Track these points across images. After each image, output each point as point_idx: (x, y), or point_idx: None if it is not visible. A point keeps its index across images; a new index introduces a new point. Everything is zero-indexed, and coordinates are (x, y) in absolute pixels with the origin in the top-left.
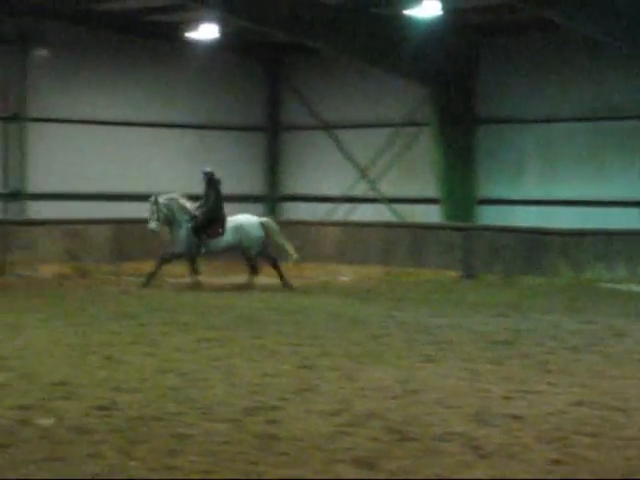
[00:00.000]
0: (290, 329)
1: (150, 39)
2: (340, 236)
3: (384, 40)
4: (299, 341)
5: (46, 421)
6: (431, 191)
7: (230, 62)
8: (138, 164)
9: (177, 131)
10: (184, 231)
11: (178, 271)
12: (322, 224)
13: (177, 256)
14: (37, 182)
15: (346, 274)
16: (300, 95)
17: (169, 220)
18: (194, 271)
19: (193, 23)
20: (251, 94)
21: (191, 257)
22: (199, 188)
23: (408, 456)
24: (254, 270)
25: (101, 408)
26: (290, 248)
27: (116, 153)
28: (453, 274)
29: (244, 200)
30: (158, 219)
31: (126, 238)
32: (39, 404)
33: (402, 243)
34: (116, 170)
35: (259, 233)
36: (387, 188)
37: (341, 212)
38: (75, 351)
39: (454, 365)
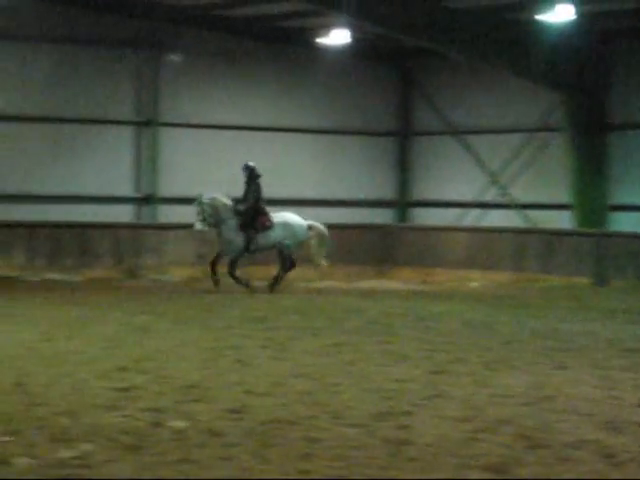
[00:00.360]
0: (421, 334)
1: (282, 45)
2: (470, 242)
3: (516, 45)
4: (430, 346)
5: (179, 424)
6: (563, 197)
7: (361, 67)
8: (268, 169)
9: (308, 136)
10: (233, 229)
11: (308, 275)
12: (452, 229)
13: (238, 256)
14: (167, 186)
15: (476, 280)
16: (430, 100)
17: (215, 219)
18: (234, 271)
19: (325, 29)
20: (382, 99)
21: (239, 256)
22: (334, 193)
23: (539, 463)
24: (291, 266)
25: (233, 411)
26: (321, 257)
27: (246, 158)
28: (584, 281)
29: (375, 205)
30: (204, 219)
31: None
32: (172, 407)
33: (532, 249)
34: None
35: (304, 235)
36: (518, 194)
37: (471, 218)
38: (206, 354)
39: (586, 372)
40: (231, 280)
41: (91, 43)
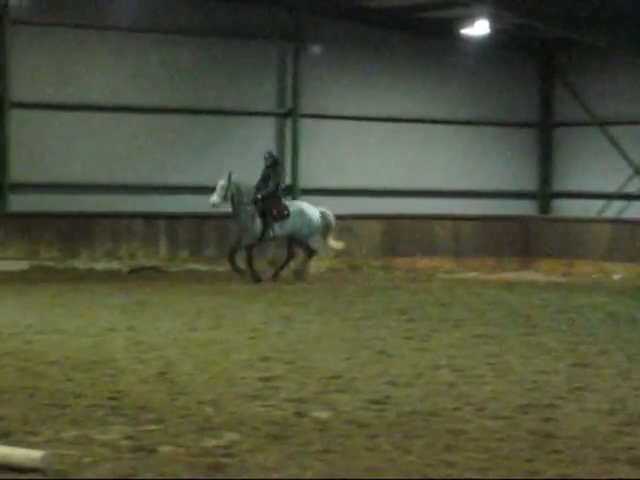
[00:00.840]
0: (564, 327)
1: (422, 36)
2: (612, 233)
3: None
4: (573, 339)
5: (322, 414)
6: None
7: (501, 58)
8: (409, 160)
9: (448, 128)
10: (250, 216)
11: (449, 266)
12: (594, 221)
13: (254, 244)
14: (307, 177)
15: (618, 272)
16: (572, 91)
17: (236, 201)
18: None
19: (467, 19)
20: (523, 90)
21: (255, 244)
22: (474, 185)
23: None
24: (311, 253)
25: (376, 402)
26: (334, 243)
27: (385, 149)
28: None
29: (516, 197)
30: (225, 196)
31: (396, 234)
32: (315, 397)
33: None
34: (386, 166)
35: (318, 223)
36: None
37: (614, 209)
38: (348, 345)
39: None
40: (250, 270)
41: (234, 35)
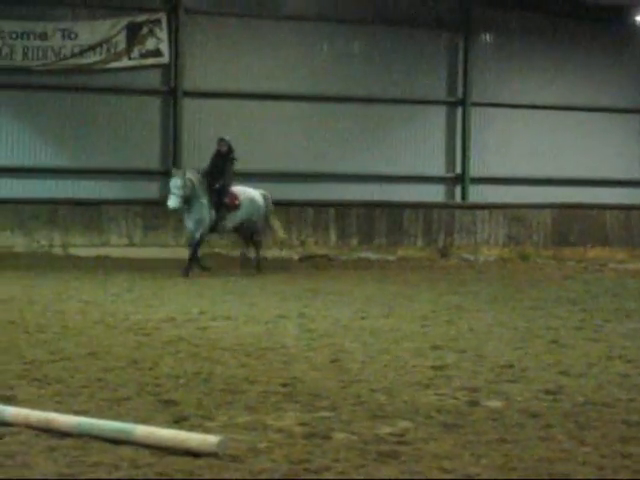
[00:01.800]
0: None
1: (592, 23)
2: None
3: None
4: None
5: (495, 403)
6: None
7: None
8: (580, 149)
9: (623, 116)
10: (205, 208)
11: (620, 256)
12: None
13: (205, 237)
14: (479, 166)
15: None
16: None
17: (188, 197)
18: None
19: (638, 6)
20: None
21: (206, 237)
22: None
23: None
24: (259, 245)
25: (549, 392)
26: (278, 226)
27: (556, 137)
28: None
29: None
30: (183, 195)
31: (567, 223)
32: (487, 386)
33: None
34: (557, 154)
35: (265, 208)
36: None
37: None
38: (519, 334)
39: None
40: (188, 262)
41: (404, 24)
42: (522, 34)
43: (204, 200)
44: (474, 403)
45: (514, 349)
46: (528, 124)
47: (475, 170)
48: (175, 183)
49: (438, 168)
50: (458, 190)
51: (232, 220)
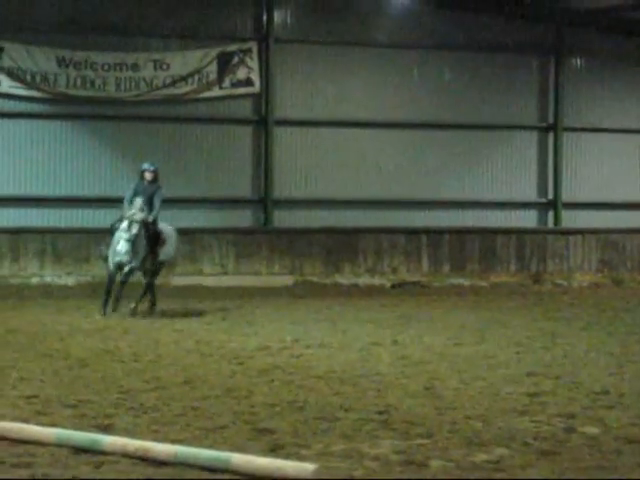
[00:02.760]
0: None
1: None
2: None
3: None
4: None
5: (592, 429)
6: None
7: None
8: None
9: None
10: (143, 240)
11: None
12: None
13: (135, 271)
14: (571, 191)
15: None
16: None
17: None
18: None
19: None
20: None
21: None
22: None
23: None
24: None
25: None
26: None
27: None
28: None
29: None
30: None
31: None
32: (583, 412)
33: None
34: None
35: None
36: None
37: None
38: (615, 360)
39: None
40: (113, 295)
41: (491, 49)
42: (612, 58)
43: (142, 233)
44: (570, 430)
45: (610, 375)
46: (620, 148)
47: (567, 195)
48: (135, 217)
49: (530, 193)
50: (550, 215)
51: (164, 254)
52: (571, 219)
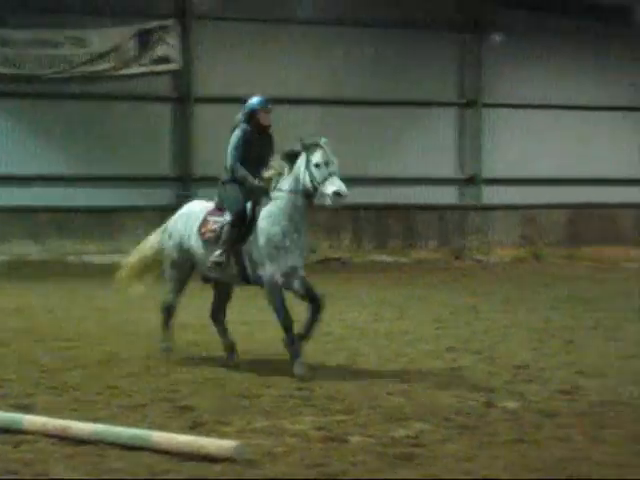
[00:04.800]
0: None
1: (601, 22)
2: None
3: None
4: None
5: (511, 404)
6: None
7: None
8: (593, 148)
9: (630, 114)
10: None
11: (634, 254)
12: None
13: None
14: (491, 167)
15: None
16: None
17: None
18: None
19: None
20: None
21: None
22: None
23: None
24: None
25: (565, 392)
26: None
27: (568, 136)
28: None
29: None
30: None
31: (581, 223)
32: (503, 387)
33: None
34: (570, 155)
35: None
36: None
37: None
38: (535, 335)
39: None
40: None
41: (410, 25)
42: (531, 34)
43: None
44: (490, 404)
45: (530, 350)
46: (540, 124)
47: (487, 171)
48: None
49: (450, 169)
50: (471, 191)
51: None
52: (491, 195)
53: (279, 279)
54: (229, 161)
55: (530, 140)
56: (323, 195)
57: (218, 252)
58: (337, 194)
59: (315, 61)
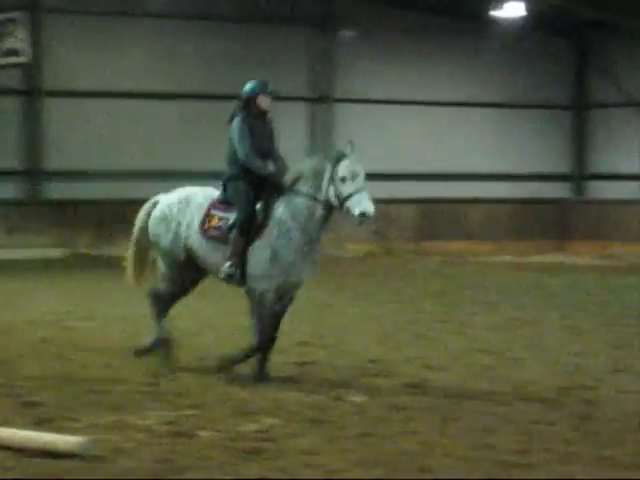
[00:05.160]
0: (601, 309)
1: (456, 18)
2: None
3: None
4: (611, 320)
5: (359, 398)
6: None
7: (535, 40)
8: (444, 144)
9: (484, 110)
10: None
11: (484, 249)
12: (630, 203)
13: None
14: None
15: None
16: (607, 72)
17: None
18: None
19: (501, 1)
20: (556, 72)
21: None
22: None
23: None
24: None
25: (413, 385)
26: None
27: (420, 132)
28: None
29: (550, 179)
30: None
31: (431, 217)
32: (352, 381)
33: None
34: (421, 150)
35: None
36: None
37: None
38: (385, 329)
39: None
40: None
41: (264, 21)
42: (386, 29)
43: None
44: (339, 398)
45: (379, 344)
46: (394, 120)
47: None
48: None
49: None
50: None
51: None
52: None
53: (270, 299)
54: (240, 154)
55: (381, 135)
56: (348, 212)
57: (228, 264)
58: (363, 215)
59: (167, 56)
